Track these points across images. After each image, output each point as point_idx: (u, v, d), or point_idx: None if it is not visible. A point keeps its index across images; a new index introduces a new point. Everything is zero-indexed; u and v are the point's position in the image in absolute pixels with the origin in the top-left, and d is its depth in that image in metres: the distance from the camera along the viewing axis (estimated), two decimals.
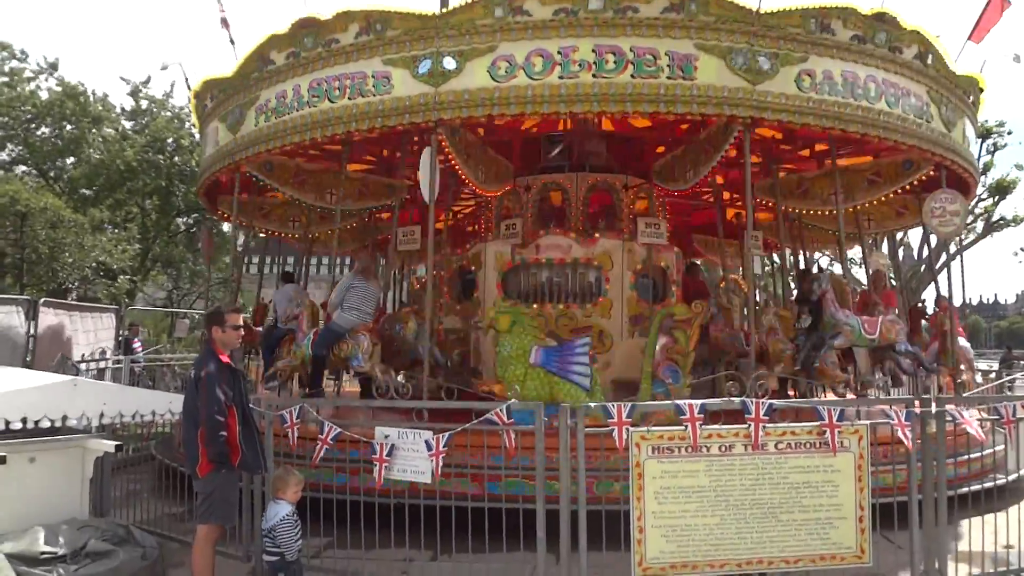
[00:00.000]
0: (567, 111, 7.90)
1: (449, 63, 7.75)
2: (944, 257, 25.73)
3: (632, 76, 7.53)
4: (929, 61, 8.94)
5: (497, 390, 7.89)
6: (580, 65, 7.53)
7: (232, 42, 10.82)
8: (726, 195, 13.40)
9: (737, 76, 7.66)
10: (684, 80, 7.55)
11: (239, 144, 9.61)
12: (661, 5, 7.61)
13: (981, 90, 10.34)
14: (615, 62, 7.52)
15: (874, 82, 8.28)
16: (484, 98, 7.71)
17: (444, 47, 7.78)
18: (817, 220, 13.11)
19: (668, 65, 7.54)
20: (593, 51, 7.53)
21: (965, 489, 6.60)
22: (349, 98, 8.20)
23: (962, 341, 10.35)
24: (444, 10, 8.21)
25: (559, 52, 7.56)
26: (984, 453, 8.39)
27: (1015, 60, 10.73)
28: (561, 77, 7.55)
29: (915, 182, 10.61)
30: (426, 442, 5.46)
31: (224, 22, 11.04)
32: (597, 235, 10.81)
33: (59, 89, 25.70)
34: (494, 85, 7.67)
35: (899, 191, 11.20)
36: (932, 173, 9.98)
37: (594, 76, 7.52)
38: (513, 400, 5.54)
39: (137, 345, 17.64)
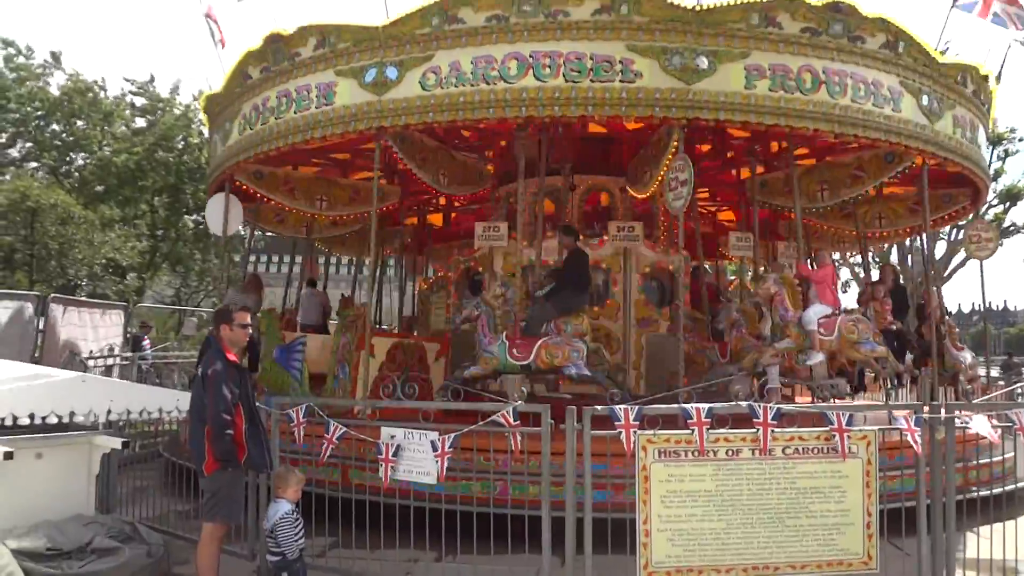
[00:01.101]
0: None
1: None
2: (954, 263, 25.66)
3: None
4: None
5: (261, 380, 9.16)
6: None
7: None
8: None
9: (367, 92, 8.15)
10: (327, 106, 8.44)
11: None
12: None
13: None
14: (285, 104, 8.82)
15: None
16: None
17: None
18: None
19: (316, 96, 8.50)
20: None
21: (974, 494, 6.55)
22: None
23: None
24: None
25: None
26: (993, 460, 8.34)
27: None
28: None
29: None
30: (432, 442, 5.46)
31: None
32: (605, 237, 10.79)
33: (69, 84, 25.78)
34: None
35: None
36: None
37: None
38: (520, 402, 5.52)
39: (146, 343, 17.69)
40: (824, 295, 9.10)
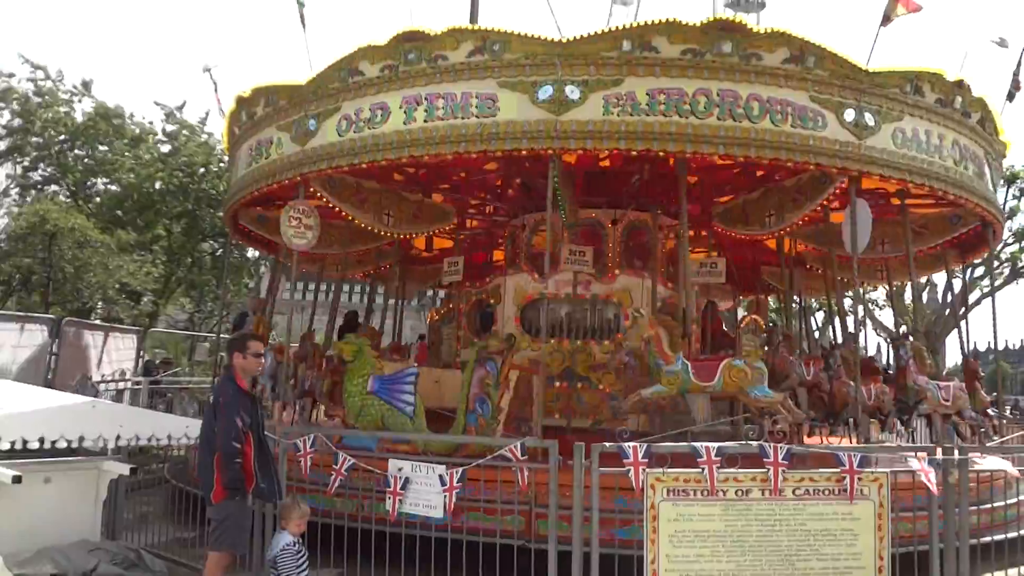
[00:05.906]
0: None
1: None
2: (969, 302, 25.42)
3: None
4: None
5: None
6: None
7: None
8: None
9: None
10: None
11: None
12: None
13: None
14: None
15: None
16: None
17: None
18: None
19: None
20: None
21: (988, 539, 6.43)
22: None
23: None
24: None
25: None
26: (1008, 503, 8.21)
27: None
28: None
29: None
30: (439, 476, 5.44)
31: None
32: (617, 272, 10.79)
33: (92, 111, 26.12)
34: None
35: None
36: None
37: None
38: (528, 438, 5.49)
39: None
40: None
